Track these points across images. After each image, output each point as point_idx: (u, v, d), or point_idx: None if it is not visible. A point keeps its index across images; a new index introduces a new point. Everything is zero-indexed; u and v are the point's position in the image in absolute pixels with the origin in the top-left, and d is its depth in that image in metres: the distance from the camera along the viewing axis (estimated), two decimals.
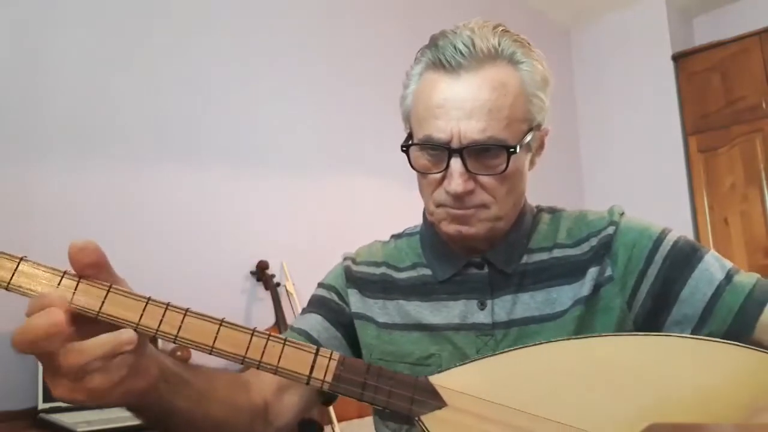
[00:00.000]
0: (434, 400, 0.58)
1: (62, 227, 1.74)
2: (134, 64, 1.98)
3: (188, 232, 2.02)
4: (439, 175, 0.74)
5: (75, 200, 1.79)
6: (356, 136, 2.60)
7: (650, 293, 0.73)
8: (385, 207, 2.59)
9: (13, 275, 0.51)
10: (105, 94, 1.90)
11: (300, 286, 2.22)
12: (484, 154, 0.72)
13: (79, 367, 0.48)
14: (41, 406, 1.49)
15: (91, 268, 0.53)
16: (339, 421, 1.96)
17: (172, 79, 2.07)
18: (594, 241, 0.78)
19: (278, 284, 2.15)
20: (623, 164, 3.72)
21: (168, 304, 0.54)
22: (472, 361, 0.61)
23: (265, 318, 2.12)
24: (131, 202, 1.91)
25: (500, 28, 0.75)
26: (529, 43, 0.76)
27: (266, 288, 2.13)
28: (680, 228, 0.78)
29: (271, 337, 0.56)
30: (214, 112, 2.17)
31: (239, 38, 2.28)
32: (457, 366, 0.60)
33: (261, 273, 2.13)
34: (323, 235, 2.36)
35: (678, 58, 3.59)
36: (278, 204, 2.29)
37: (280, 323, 2.05)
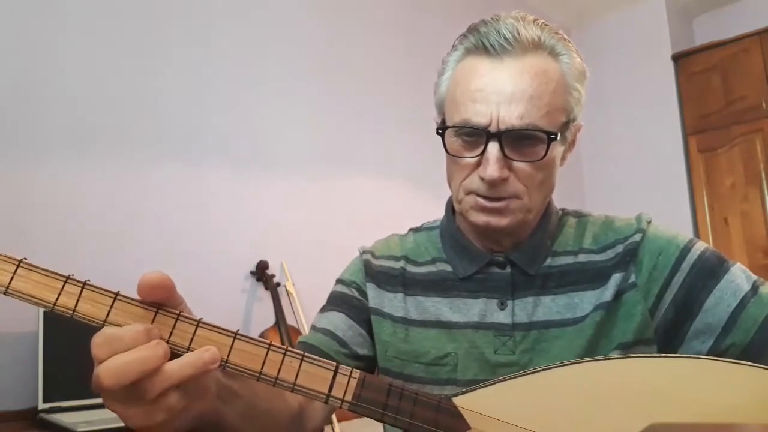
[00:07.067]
0: (458, 422, 0.56)
1: (63, 227, 1.74)
2: (135, 64, 1.98)
3: (188, 232, 2.02)
4: (472, 161, 0.73)
5: (75, 200, 1.78)
6: (357, 136, 2.60)
7: (674, 302, 0.73)
8: (385, 207, 2.59)
9: (11, 279, 0.48)
10: (106, 95, 1.89)
11: (300, 286, 2.22)
12: (523, 141, 0.71)
13: (163, 390, 0.47)
14: (41, 406, 1.48)
15: (160, 300, 0.51)
16: (339, 420, 1.96)
17: (173, 79, 2.07)
18: (620, 248, 0.77)
19: (278, 284, 2.15)
20: (623, 164, 3.73)
21: (179, 314, 0.51)
22: (495, 383, 0.59)
23: (265, 318, 2.12)
24: (131, 202, 1.90)
25: (540, 21, 0.75)
26: (566, 38, 0.76)
27: (266, 288, 2.13)
28: (680, 228, 0.78)
29: (288, 352, 0.53)
30: (215, 112, 2.17)
31: (239, 39, 2.28)
32: (480, 387, 0.58)
33: (261, 273, 2.13)
34: (323, 235, 2.36)
35: (678, 58, 3.59)
36: (278, 204, 2.29)
37: (280, 323, 2.05)
